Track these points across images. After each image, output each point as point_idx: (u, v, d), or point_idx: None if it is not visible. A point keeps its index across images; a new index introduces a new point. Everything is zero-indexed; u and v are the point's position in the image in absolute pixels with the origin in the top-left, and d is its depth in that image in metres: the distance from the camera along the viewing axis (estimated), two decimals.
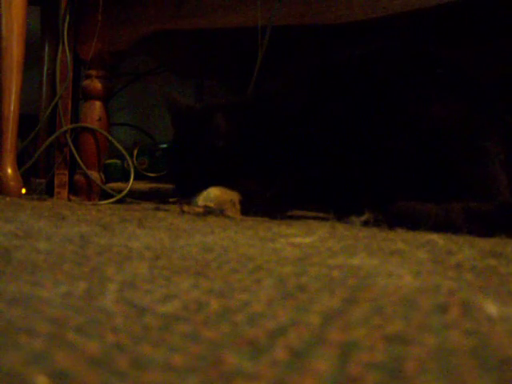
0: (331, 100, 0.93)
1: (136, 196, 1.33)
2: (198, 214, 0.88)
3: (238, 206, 0.91)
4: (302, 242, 0.56)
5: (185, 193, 0.97)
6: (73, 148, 1.30)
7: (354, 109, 0.90)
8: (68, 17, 1.30)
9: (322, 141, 0.92)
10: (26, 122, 1.33)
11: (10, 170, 1.21)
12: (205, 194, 0.90)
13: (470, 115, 0.84)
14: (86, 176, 1.29)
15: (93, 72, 1.31)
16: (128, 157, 1.33)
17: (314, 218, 0.91)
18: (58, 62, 1.32)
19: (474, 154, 0.82)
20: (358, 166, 0.88)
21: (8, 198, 1.13)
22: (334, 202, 0.91)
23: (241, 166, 0.97)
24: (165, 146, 1.49)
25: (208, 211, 0.88)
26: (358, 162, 0.88)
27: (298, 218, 0.96)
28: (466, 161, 0.82)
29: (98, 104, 1.32)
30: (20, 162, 1.27)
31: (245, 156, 0.97)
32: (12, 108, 1.21)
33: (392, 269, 0.41)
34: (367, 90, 0.90)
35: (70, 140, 1.30)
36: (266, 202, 0.95)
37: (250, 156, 0.97)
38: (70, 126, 1.31)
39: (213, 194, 0.89)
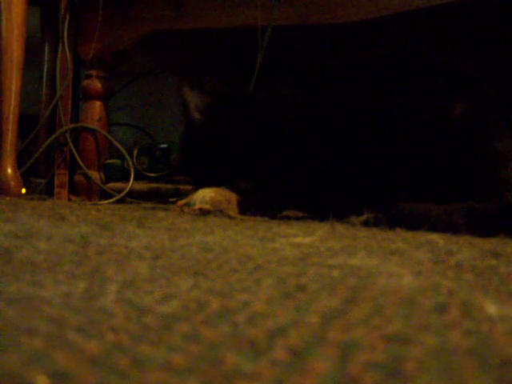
0: (335, 101, 0.93)
1: (136, 196, 1.33)
2: (197, 214, 0.88)
3: (235, 207, 0.91)
4: (302, 241, 0.56)
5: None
6: (73, 148, 1.30)
7: (357, 110, 0.90)
8: (68, 17, 1.30)
9: (324, 141, 0.92)
10: (26, 121, 1.33)
11: (9, 170, 1.21)
12: (200, 196, 0.90)
13: (479, 116, 0.84)
14: (86, 176, 1.29)
15: (93, 72, 1.31)
16: (128, 157, 1.33)
17: (314, 218, 0.91)
18: (58, 62, 1.32)
19: (484, 155, 0.82)
20: (359, 166, 0.88)
21: (8, 198, 1.13)
22: (334, 202, 0.91)
23: (239, 164, 0.97)
24: (165, 145, 1.49)
25: (206, 212, 0.88)
26: (359, 162, 0.88)
27: (298, 218, 0.96)
28: (476, 162, 0.82)
29: (98, 104, 1.32)
30: (20, 162, 1.27)
31: (243, 154, 0.98)
32: (12, 108, 1.21)
33: (392, 269, 0.41)
34: (371, 92, 0.90)
35: (70, 140, 1.31)
36: (264, 201, 0.95)
37: (248, 154, 0.97)
38: (70, 126, 1.31)
39: (208, 196, 0.89)
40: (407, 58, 0.91)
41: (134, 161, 1.42)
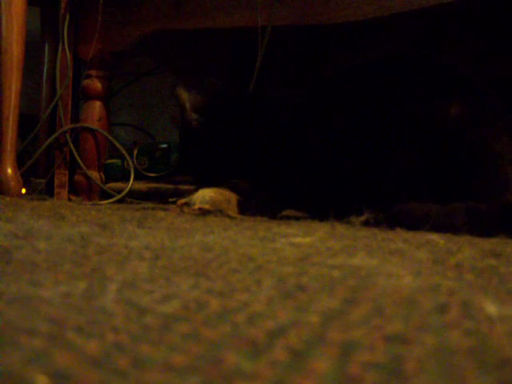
0: (334, 101, 0.93)
1: (136, 196, 1.33)
2: (197, 214, 0.88)
3: (235, 207, 0.91)
4: (302, 241, 0.56)
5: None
6: (73, 148, 1.30)
7: (356, 110, 0.90)
8: (68, 17, 1.30)
9: (324, 141, 0.92)
10: (26, 121, 1.33)
11: (9, 170, 1.21)
12: (200, 196, 0.90)
13: (477, 117, 0.84)
14: (86, 176, 1.29)
15: (93, 72, 1.31)
16: (128, 157, 1.33)
17: (314, 218, 0.91)
18: (58, 62, 1.32)
19: (484, 155, 0.82)
20: (359, 166, 0.88)
21: (8, 198, 1.13)
22: (334, 202, 0.91)
23: (239, 164, 0.97)
24: (165, 145, 1.49)
25: (206, 212, 0.88)
26: (359, 163, 0.88)
27: (298, 218, 0.96)
28: (476, 162, 0.82)
29: (98, 104, 1.32)
30: (20, 162, 1.27)
31: (243, 154, 0.98)
32: (12, 108, 1.21)
33: (392, 269, 0.41)
34: (370, 92, 0.90)
35: (70, 140, 1.31)
36: (264, 201, 0.95)
37: (248, 154, 0.97)
38: (70, 126, 1.31)
39: (208, 196, 0.89)
40: (406, 59, 0.91)
41: (134, 161, 1.42)
